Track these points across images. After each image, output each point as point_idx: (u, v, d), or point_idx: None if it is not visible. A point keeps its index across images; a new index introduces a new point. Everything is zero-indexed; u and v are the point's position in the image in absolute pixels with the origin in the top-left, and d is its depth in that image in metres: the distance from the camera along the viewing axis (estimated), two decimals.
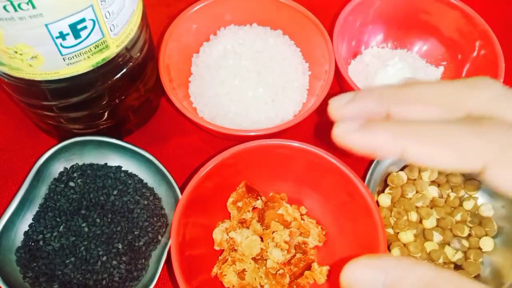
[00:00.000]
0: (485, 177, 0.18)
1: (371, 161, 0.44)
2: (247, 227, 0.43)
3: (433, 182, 0.46)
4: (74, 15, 0.30)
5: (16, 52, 0.31)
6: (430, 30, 0.53)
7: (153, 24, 0.43)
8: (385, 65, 0.51)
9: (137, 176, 0.44)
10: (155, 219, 0.42)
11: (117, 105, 0.41)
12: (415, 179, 0.46)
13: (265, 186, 0.44)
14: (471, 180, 0.46)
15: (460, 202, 0.45)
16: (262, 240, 0.42)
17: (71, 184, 0.42)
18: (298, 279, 0.41)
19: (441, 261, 0.42)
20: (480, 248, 0.43)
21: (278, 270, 0.41)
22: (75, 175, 0.42)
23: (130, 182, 0.43)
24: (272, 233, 0.42)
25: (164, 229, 0.42)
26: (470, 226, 0.44)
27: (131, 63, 0.38)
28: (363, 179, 0.42)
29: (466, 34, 0.50)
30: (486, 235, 0.44)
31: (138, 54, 0.39)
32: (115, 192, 0.42)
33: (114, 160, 0.44)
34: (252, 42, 0.49)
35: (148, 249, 0.41)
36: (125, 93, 0.41)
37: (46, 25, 0.29)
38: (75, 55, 0.32)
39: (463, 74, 0.51)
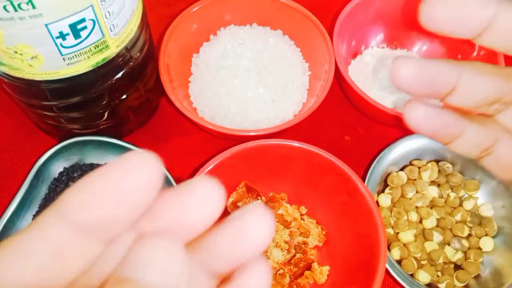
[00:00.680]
0: None
1: (371, 161, 0.44)
2: None
3: (433, 182, 0.46)
4: (74, 15, 0.30)
5: (16, 52, 0.31)
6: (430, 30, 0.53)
7: (153, 24, 0.43)
8: (385, 65, 0.51)
9: None
10: None
11: (117, 105, 0.41)
12: (415, 179, 0.46)
13: (265, 186, 0.44)
14: (471, 180, 0.46)
15: (460, 202, 0.45)
16: None
17: (71, 184, 0.42)
18: (298, 279, 0.41)
19: (441, 261, 0.42)
20: (480, 248, 0.43)
21: (278, 270, 0.41)
22: (75, 175, 0.42)
23: None
24: None
25: None
26: (470, 226, 0.44)
27: (131, 63, 0.38)
28: (363, 179, 0.42)
29: None
30: (486, 235, 0.44)
31: (138, 54, 0.39)
32: None
33: (114, 160, 0.44)
34: (252, 42, 0.49)
35: None
36: (125, 93, 0.41)
37: (46, 25, 0.29)
38: (75, 55, 0.32)
39: None
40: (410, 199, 0.45)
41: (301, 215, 0.44)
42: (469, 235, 0.44)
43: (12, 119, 0.48)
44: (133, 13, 0.35)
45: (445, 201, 0.45)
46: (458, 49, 0.52)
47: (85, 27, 0.31)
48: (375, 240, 0.37)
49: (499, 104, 0.20)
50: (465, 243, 0.43)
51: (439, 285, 0.42)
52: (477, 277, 0.42)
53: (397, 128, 0.49)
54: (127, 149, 0.43)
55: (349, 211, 0.41)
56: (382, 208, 0.44)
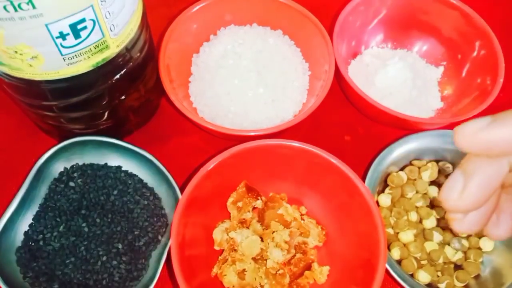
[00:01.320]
0: None
1: (371, 161, 0.44)
2: (247, 227, 0.43)
3: (433, 182, 0.46)
4: (74, 15, 0.30)
5: (16, 52, 0.31)
6: (430, 30, 0.53)
7: (153, 24, 0.43)
8: (385, 65, 0.51)
9: (137, 176, 0.44)
10: (155, 219, 0.42)
11: (117, 105, 0.41)
12: (415, 179, 0.46)
13: (265, 186, 0.44)
14: None
15: None
16: (262, 240, 0.42)
17: (71, 184, 0.42)
18: (298, 279, 0.41)
19: (441, 261, 0.42)
20: (480, 248, 0.43)
21: (278, 270, 0.41)
22: (75, 175, 0.43)
23: (130, 182, 0.43)
24: (272, 233, 0.42)
25: (164, 229, 0.42)
26: None
27: (131, 63, 0.38)
28: (363, 179, 0.42)
29: (465, 34, 0.50)
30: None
31: (138, 54, 0.39)
32: (115, 192, 0.42)
33: (114, 160, 0.44)
34: (252, 42, 0.49)
35: (148, 249, 0.41)
36: (125, 93, 0.41)
37: (46, 25, 0.29)
38: (75, 55, 0.32)
39: (463, 74, 0.51)
40: (410, 199, 0.45)
41: (301, 215, 0.44)
42: (469, 235, 0.44)
43: (12, 119, 0.48)
44: (133, 13, 0.35)
45: None
46: (458, 49, 0.52)
47: (85, 27, 0.31)
48: (375, 240, 0.37)
49: None
50: (465, 243, 0.43)
51: (439, 285, 0.42)
52: (477, 277, 0.42)
53: (397, 128, 0.49)
54: (127, 149, 0.43)
55: (349, 211, 0.41)
56: (382, 208, 0.44)
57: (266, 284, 0.40)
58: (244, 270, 0.40)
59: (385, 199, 0.44)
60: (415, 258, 0.42)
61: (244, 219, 0.43)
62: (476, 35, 0.50)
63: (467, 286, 0.42)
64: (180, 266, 0.35)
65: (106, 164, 0.44)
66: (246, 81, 0.47)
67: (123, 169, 0.44)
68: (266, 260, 0.41)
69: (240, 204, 0.43)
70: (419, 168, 0.46)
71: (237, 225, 0.42)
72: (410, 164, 0.46)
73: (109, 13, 0.32)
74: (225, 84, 0.47)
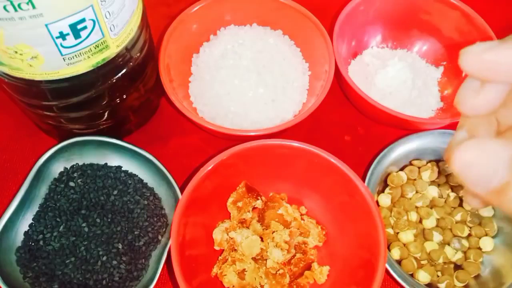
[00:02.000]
0: None
1: (371, 161, 0.44)
2: (247, 227, 0.43)
3: (433, 182, 0.46)
4: (74, 15, 0.30)
5: (16, 52, 0.31)
6: (430, 30, 0.53)
7: (153, 24, 0.43)
8: (385, 65, 0.51)
9: (137, 176, 0.44)
10: (155, 219, 0.42)
11: (117, 105, 0.41)
12: (415, 179, 0.46)
13: (265, 186, 0.44)
14: None
15: (460, 202, 0.45)
16: (262, 240, 0.42)
17: (71, 184, 0.42)
18: (298, 279, 0.41)
19: (441, 261, 0.42)
20: (480, 248, 0.43)
21: (278, 270, 0.41)
22: (75, 175, 0.43)
23: (130, 182, 0.43)
24: (272, 233, 0.42)
25: (164, 229, 0.42)
26: (470, 226, 0.44)
27: (131, 63, 0.38)
28: (363, 179, 0.42)
29: (466, 34, 0.50)
30: (486, 235, 0.44)
31: (138, 54, 0.39)
32: (115, 192, 0.42)
33: (114, 160, 0.44)
34: (252, 42, 0.49)
35: (148, 249, 0.41)
36: (125, 93, 0.41)
37: (46, 25, 0.29)
38: (75, 55, 0.32)
39: (463, 74, 0.51)
40: (410, 199, 0.45)
41: (301, 215, 0.44)
42: (469, 235, 0.44)
43: (12, 119, 0.48)
44: (133, 13, 0.35)
45: (445, 201, 0.45)
46: (458, 49, 0.51)
47: (85, 27, 0.31)
48: (375, 240, 0.37)
49: None
50: (465, 243, 0.43)
51: (439, 285, 0.42)
52: (477, 277, 0.42)
53: (397, 128, 0.49)
54: (127, 149, 0.43)
55: (349, 211, 0.41)
56: (382, 208, 0.44)
57: (266, 284, 0.40)
58: (244, 270, 0.40)
59: (385, 199, 0.44)
60: (415, 258, 0.42)
61: (244, 219, 0.43)
62: (476, 35, 0.50)
63: (467, 286, 0.42)
64: (180, 266, 0.35)
65: (106, 164, 0.44)
66: (246, 81, 0.47)
67: (123, 169, 0.44)
68: (266, 260, 0.41)
69: (240, 204, 0.43)
70: (419, 168, 0.46)
71: (237, 225, 0.42)
72: (410, 164, 0.46)
73: (109, 13, 0.32)
74: (225, 84, 0.47)
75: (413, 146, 0.46)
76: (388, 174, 0.46)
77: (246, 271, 0.40)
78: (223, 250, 0.42)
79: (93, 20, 0.31)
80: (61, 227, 0.40)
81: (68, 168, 0.43)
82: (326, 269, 0.41)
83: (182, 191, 0.39)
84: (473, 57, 0.19)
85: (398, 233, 0.43)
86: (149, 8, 0.41)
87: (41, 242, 0.40)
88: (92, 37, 0.32)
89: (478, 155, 0.19)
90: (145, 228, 0.41)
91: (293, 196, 0.45)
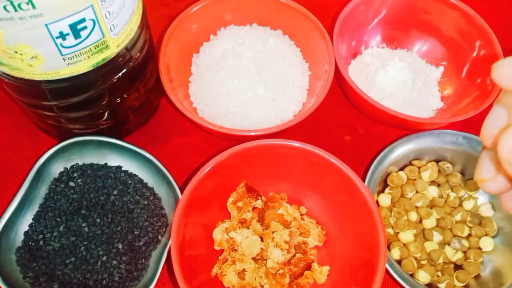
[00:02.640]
0: None
1: (371, 161, 0.44)
2: (247, 227, 0.43)
3: (433, 182, 0.46)
4: (74, 15, 0.30)
5: (16, 52, 0.31)
6: (430, 30, 0.53)
7: (153, 24, 0.43)
8: (385, 65, 0.51)
9: (137, 176, 0.44)
10: (155, 219, 0.42)
11: (117, 105, 0.41)
12: (415, 179, 0.46)
13: (265, 186, 0.44)
14: (471, 180, 0.46)
15: (460, 202, 0.45)
16: (262, 240, 0.42)
17: (71, 184, 0.42)
18: (298, 279, 0.41)
19: (441, 261, 0.42)
20: (480, 248, 0.43)
21: (278, 270, 0.41)
22: (75, 175, 0.43)
23: (130, 182, 0.43)
24: (272, 233, 0.42)
25: (164, 229, 0.42)
26: (470, 226, 0.44)
27: (131, 63, 0.38)
28: (363, 179, 0.42)
29: (466, 34, 0.50)
30: (486, 235, 0.44)
31: (138, 54, 0.39)
32: (115, 192, 0.42)
33: (114, 160, 0.44)
34: (252, 42, 0.49)
35: (148, 249, 0.41)
36: (125, 93, 0.41)
37: (46, 25, 0.29)
38: (75, 55, 0.32)
39: (463, 74, 0.51)
40: (410, 199, 0.45)
41: (301, 215, 0.44)
42: (469, 235, 0.44)
43: (12, 119, 0.48)
44: (133, 13, 0.35)
45: (445, 201, 0.45)
46: (458, 49, 0.52)
47: (85, 27, 0.31)
48: (375, 240, 0.37)
49: None
50: (465, 243, 0.43)
51: (439, 285, 0.42)
52: (477, 277, 0.42)
53: (397, 128, 0.49)
54: (127, 149, 0.43)
55: (349, 211, 0.41)
56: (382, 208, 0.44)
57: (266, 284, 0.40)
58: (244, 270, 0.40)
59: (385, 199, 0.44)
60: (415, 258, 0.42)
61: (244, 219, 0.43)
62: (476, 35, 0.50)
63: (467, 286, 0.42)
64: (180, 266, 0.35)
65: (106, 164, 0.44)
66: (246, 81, 0.47)
67: (123, 169, 0.44)
68: (266, 260, 0.41)
69: (240, 204, 0.43)
70: (419, 168, 0.46)
71: (237, 225, 0.42)
72: (410, 164, 0.46)
73: (109, 13, 0.32)
74: (225, 84, 0.47)
75: (413, 146, 0.46)
76: (388, 174, 0.46)
77: (246, 271, 0.40)
78: (223, 250, 0.42)
79: (93, 20, 0.31)
80: (61, 227, 0.40)
81: (68, 168, 0.43)
82: (326, 269, 0.41)
83: (182, 191, 0.39)
84: (507, 71, 0.19)
85: (398, 233, 0.43)
86: (149, 8, 0.41)
87: (41, 242, 0.40)
88: (92, 37, 0.32)
89: None
90: (145, 228, 0.41)
91: (293, 196, 0.45)
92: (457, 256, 0.43)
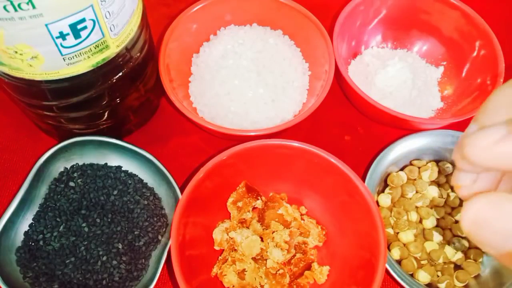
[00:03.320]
0: None
1: (371, 161, 0.44)
2: (247, 227, 0.43)
3: (433, 182, 0.46)
4: (74, 15, 0.30)
5: (16, 52, 0.31)
6: (430, 30, 0.53)
7: (153, 24, 0.43)
8: (385, 65, 0.51)
9: (137, 176, 0.44)
10: (155, 219, 0.42)
11: (117, 105, 0.41)
12: (415, 179, 0.46)
13: (265, 186, 0.44)
14: None
15: (460, 202, 0.45)
16: (262, 240, 0.42)
17: (71, 184, 0.42)
18: (298, 279, 0.41)
19: (441, 261, 0.42)
20: (480, 248, 0.43)
21: (278, 270, 0.41)
22: (75, 175, 0.43)
23: (130, 182, 0.43)
24: (272, 233, 0.42)
25: (164, 229, 0.42)
26: None
27: (131, 63, 0.38)
28: (363, 179, 0.42)
29: (466, 34, 0.50)
30: None
31: (138, 54, 0.39)
32: (115, 192, 0.42)
33: (114, 160, 0.44)
34: (252, 42, 0.49)
35: (148, 249, 0.41)
36: (125, 93, 0.41)
37: (46, 25, 0.29)
38: (75, 55, 0.32)
39: (463, 74, 0.51)
40: (410, 199, 0.45)
41: (301, 215, 0.44)
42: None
43: (12, 119, 0.48)
44: (133, 13, 0.35)
45: (445, 201, 0.45)
46: (458, 49, 0.52)
47: (85, 27, 0.31)
48: (375, 240, 0.37)
49: None
50: (465, 243, 0.43)
51: (439, 285, 0.42)
52: (477, 277, 0.42)
53: (397, 128, 0.49)
54: (127, 149, 0.43)
55: (349, 211, 0.41)
56: (382, 208, 0.44)
57: (266, 284, 0.40)
58: (244, 270, 0.40)
59: (385, 199, 0.44)
60: (415, 258, 0.42)
61: (244, 219, 0.43)
62: (476, 35, 0.50)
63: (467, 286, 0.42)
64: (180, 266, 0.35)
65: (106, 164, 0.44)
66: (246, 81, 0.47)
67: (123, 169, 0.44)
68: (266, 260, 0.41)
69: (240, 204, 0.43)
70: (419, 168, 0.46)
71: (237, 225, 0.42)
72: (410, 164, 0.46)
73: (109, 13, 0.32)
74: (225, 84, 0.47)
75: (413, 146, 0.46)
76: (388, 174, 0.46)
77: (246, 271, 0.40)
78: (223, 250, 0.42)
79: (93, 20, 0.31)
80: (61, 227, 0.40)
81: (68, 168, 0.43)
82: (326, 269, 0.41)
83: (182, 191, 0.39)
84: (483, 151, 0.18)
85: (398, 233, 0.43)
86: (149, 8, 0.41)
87: (41, 242, 0.40)
88: (92, 37, 0.32)
89: (495, 213, 0.17)
90: (145, 228, 0.41)
91: (293, 196, 0.45)
92: (457, 256, 0.43)
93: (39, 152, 0.43)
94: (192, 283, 0.36)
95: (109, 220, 0.40)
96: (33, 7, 0.27)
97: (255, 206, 0.44)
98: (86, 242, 0.39)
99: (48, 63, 0.32)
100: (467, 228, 0.18)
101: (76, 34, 0.31)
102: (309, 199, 0.44)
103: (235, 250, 0.41)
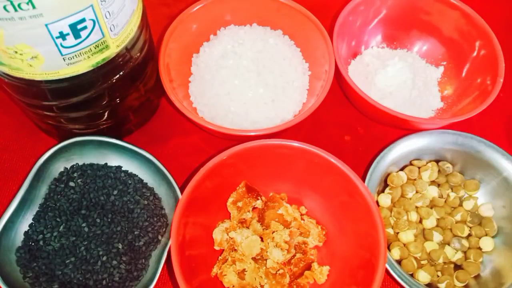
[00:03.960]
0: None
1: (371, 161, 0.44)
2: (247, 227, 0.43)
3: (433, 182, 0.46)
4: (74, 15, 0.30)
5: (16, 52, 0.31)
6: (430, 30, 0.53)
7: (153, 24, 0.43)
8: (385, 65, 0.51)
9: (137, 176, 0.44)
10: (155, 219, 0.42)
11: (117, 105, 0.41)
12: (415, 179, 0.46)
13: (265, 186, 0.44)
14: (471, 180, 0.46)
15: (460, 202, 0.45)
16: (262, 240, 0.42)
17: (71, 184, 0.42)
18: (298, 279, 0.41)
19: (441, 261, 0.42)
20: (480, 248, 0.43)
21: (278, 270, 0.41)
22: (75, 175, 0.43)
23: (130, 182, 0.43)
24: (272, 233, 0.42)
25: (164, 229, 0.42)
26: (470, 226, 0.44)
27: (131, 63, 0.38)
28: (363, 179, 0.42)
29: (466, 34, 0.50)
30: (486, 235, 0.44)
31: (138, 54, 0.39)
32: (115, 192, 0.42)
33: (114, 160, 0.44)
34: (252, 42, 0.49)
35: (148, 249, 0.41)
36: (125, 93, 0.41)
37: (46, 25, 0.29)
38: (75, 55, 0.32)
39: (463, 74, 0.51)
40: (410, 199, 0.45)
41: (301, 215, 0.44)
42: (469, 235, 0.44)
43: (12, 119, 0.48)
44: (133, 13, 0.35)
45: (445, 201, 0.45)
46: (458, 49, 0.52)
47: (85, 27, 0.31)
48: (375, 240, 0.37)
49: None
50: (465, 243, 0.43)
51: (439, 285, 0.42)
52: (477, 277, 0.42)
53: (397, 128, 0.49)
54: (127, 149, 0.43)
55: (349, 211, 0.41)
56: (382, 208, 0.44)
57: (266, 284, 0.40)
58: (244, 270, 0.40)
59: (385, 199, 0.44)
60: (415, 258, 0.42)
61: (244, 219, 0.43)
62: (476, 35, 0.50)
63: (467, 286, 0.42)
64: (180, 266, 0.35)
65: (106, 164, 0.44)
66: (246, 81, 0.47)
67: (123, 169, 0.44)
68: (266, 260, 0.41)
69: (240, 204, 0.43)
70: (419, 168, 0.46)
71: (237, 225, 0.42)
72: (410, 164, 0.46)
73: (109, 13, 0.32)
74: (225, 84, 0.47)
75: (413, 146, 0.46)
76: (388, 174, 0.46)
77: (246, 271, 0.40)
78: (223, 250, 0.42)
79: (93, 20, 0.31)
80: (61, 227, 0.40)
81: (68, 168, 0.43)
82: (326, 269, 0.41)
83: (182, 191, 0.39)
84: None
85: (398, 233, 0.43)
86: (149, 8, 0.41)
87: (41, 242, 0.40)
88: (92, 37, 0.32)
89: None
90: (145, 228, 0.41)
91: (293, 196, 0.45)
92: (457, 256, 0.43)
93: (39, 152, 0.43)
94: (192, 283, 0.36)
95: (109, 220, 0.40)
96: (33, 7, 0.27)
97: (255, 206, 0.44)
98: (86, 242, 0.39)
99: (48, 63, 0.32)
100: None
101: (76, 34, 0.31)
102: (309, 199, 0.44)
103: (235, 250, 0.41)
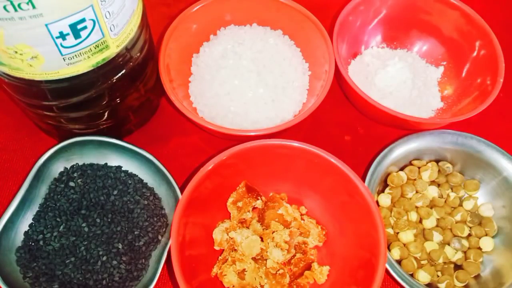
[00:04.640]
0: None
1: (371, 161, 0.44)
2: (247, 227, 0.43)
3: (433, 182, 0.46)
4: (74, 15, 0.30)
5: (16, 52, 0.31)
6: (430, 30, 0.53)
7: (153, 24, 0.43)
8: (385, 65, 0.51)
9: (137, 176, 0.44)
10: (155, 219, 0.42)
11: (117, 105, 0.41)
12: (415, 179, 0.46)
13: (265, 186, 0.44)
14: (471, 180, 0.46)
15: (460, 202, 0.45)
16: (262, 240, 0.42)
17: (71, 184, 0.42)
18: (298, 279, 0.41)
19: (441, 261, 0.42)
20: (480, 248, 0.43)
21: (278, 270, 0.41)
22: (75, 175, 0.43)
23: (130, 182, 0.43)
24: (272, 233, 0.42)
25: (164, 229, 0.42)
26: (470, 226, 0.44)
27: (131, 63, 0.38)
28: (363, 179, 0.42)
29: (466, 34, 0.50)
30: (486, 235, 0.44)
31: (138, 54, 0.39)
32: (115, 192, 0.42)
33: (114, 160, 0.44)
34: (252, 42, 0.49)
35: (148, 249, 0.41)
36: (125, 93, 0.41)
37: (46, 25, 0.29)
38: (75, 55, 0.32)
39: (463, 74, 0.51)
40: (410, 199, 0.45)
41: (301, 215, 0.44)
42: (469, 235, 0.44)
43: (12, 119, 0.48)
44: (133, 13, 0.35)
45: (445, 201, 0.45)
46: (458, 49, 0.52)
47: (85, 27, 0.31)
48: (375, 240, 0.37)
49: None
50: (465, 243, 0.43)
51: (439, 285, 0.42)
52: (477, 277, 0.42)
53: (397, 128, 0.49)
54: (127, 149, 0.43)
55: (349, 211, 0.41)
56: (382, 208, 0.44)
57: (266, 284, 0.40)
58: (244, 270, 0.40)
59: (385, 199, 0.44)
60: (415, 258, 0.42)
61: (244, 219, 0.43)
62: (476, 35, 0.50)
63: (467, 286, 0.42)
64: (180, 266, 0.35)
65: (106, 164, 0.44)
66: (246, 81, 0.47)
67: (123, 169, 0.44)
68: (266, 260, 0.41)
69: (240, 204, 0.43)
70: (419, 168, 0.46)
71: (237, 225, 0.42)
72: (410, 164, 0.46)
73: (109, 13, 0.32)
74: (225, 84, 0.47)
75: (413, 146, 0.46)
76: (388, 174, 0.46)
77: (246, 271, 0.40)
78: (223, 250, 0.42)
79: (93, 20, 0.31)
80: (61, 227, 0.40)
81: (68, 168, 0.43)
82: (326, 269, 0.41)
83: (182, 191, 0.39)
84: None
85: (398, 233, 0.43)
86: (149, 8, 0.41)
87: (41, 242, 0.40)
88: (92, 37, 0.32)
89: None
90: (145, 228, 0.41)
91: (293, 196, 0.45)
92: (457, 256, 0.43)
93: (39, 152, 0.43)
94: (192, 283, 0.36)
95: (109, 220, 0.40)
96: (33, 7, 0.27)
97: (255, 206, 0.44)
98: (86, 242, 0.39)
99: (48, 63, 0.32)
100: None
101: (76, 34, 0.31)
102: (309, 199, 0.44)
103: (235, 250, 0.41)
